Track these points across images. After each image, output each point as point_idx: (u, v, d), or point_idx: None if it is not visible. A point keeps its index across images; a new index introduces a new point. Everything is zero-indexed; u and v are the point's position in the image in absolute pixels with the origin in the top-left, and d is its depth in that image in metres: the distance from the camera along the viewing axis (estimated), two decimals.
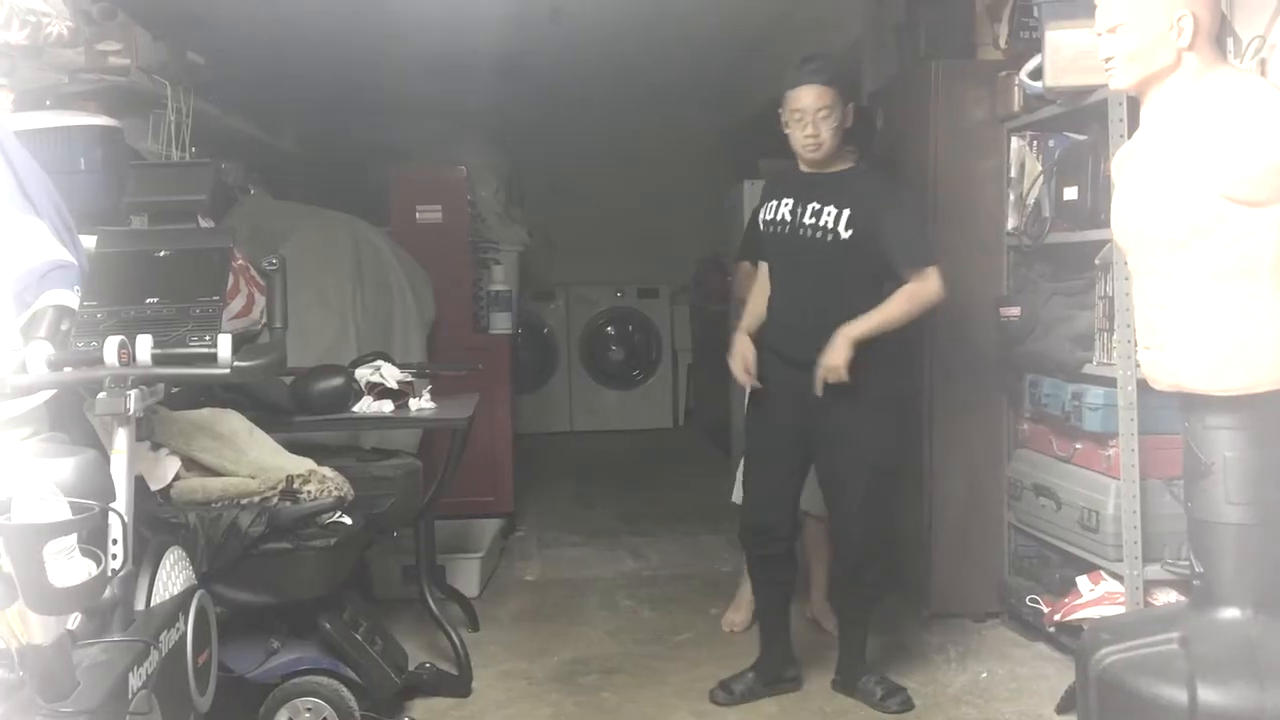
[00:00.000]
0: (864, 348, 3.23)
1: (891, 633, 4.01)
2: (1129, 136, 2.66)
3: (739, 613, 4.14)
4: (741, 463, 3.85)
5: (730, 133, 8.02)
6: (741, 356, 3.44)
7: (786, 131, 3.35)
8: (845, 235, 3.29)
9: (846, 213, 3.29)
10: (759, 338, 3.47)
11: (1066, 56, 3.41)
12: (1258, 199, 2.21)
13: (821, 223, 3.33)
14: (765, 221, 3.46)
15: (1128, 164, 2.50)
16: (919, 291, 3.29)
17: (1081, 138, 3.60)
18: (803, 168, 3.40)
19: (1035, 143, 3.83)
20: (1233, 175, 2.21)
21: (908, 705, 3.41)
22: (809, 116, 3.25)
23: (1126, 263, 2.65)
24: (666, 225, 8.32)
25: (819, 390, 3.23)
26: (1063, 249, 3.71)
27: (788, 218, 3.39)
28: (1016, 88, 3.82)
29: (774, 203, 3.44)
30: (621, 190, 8.26)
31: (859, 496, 3.38)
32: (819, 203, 3.33)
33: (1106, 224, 2.65)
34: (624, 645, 4.06)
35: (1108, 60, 2.41)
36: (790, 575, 3.55)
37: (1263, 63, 2.78)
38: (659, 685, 3.66)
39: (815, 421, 3.35)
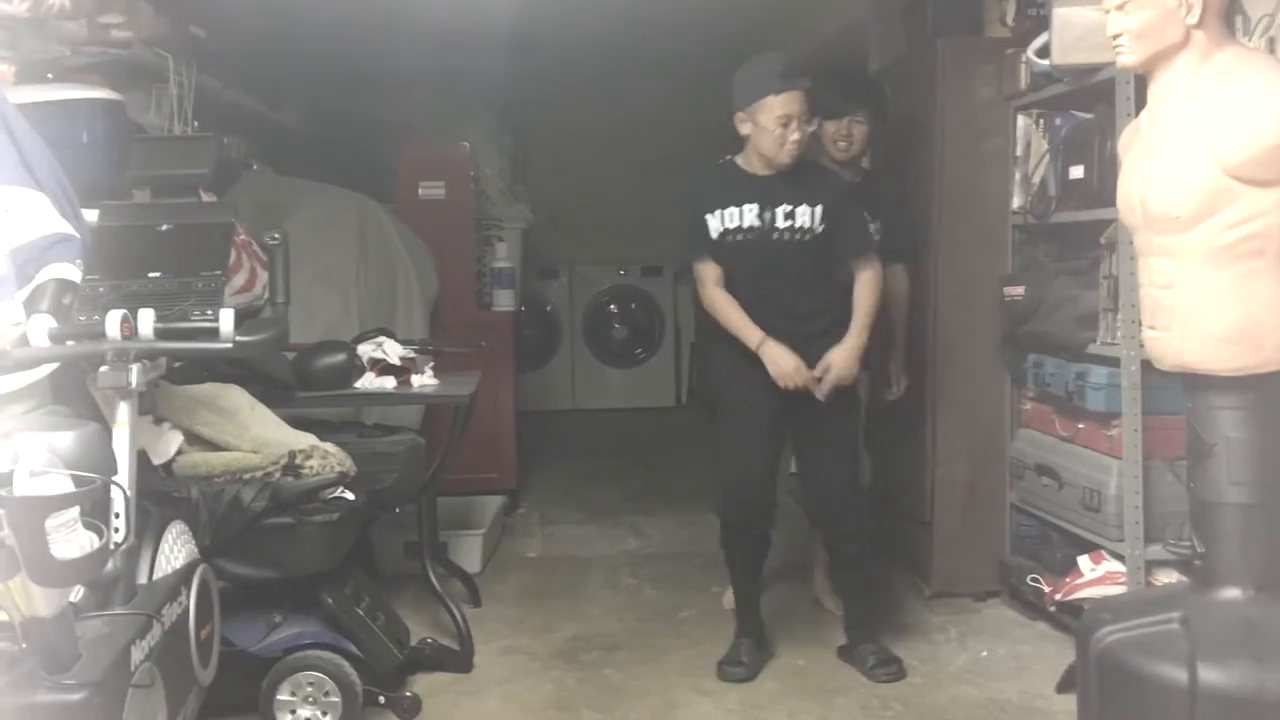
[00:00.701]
0: (837, 322, 3.45)
1: (893, 612, 4.01)
2: (1136, 115, 2.64)
3: None
4: None
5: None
6: (795, 364, 3.34)
7: (749, 134, 3.39)
8: (820, 230, 3.41)
9: (819, 209, 3.40)
10: (721, 339, 3.49)
11: (1074, 34, 3.39)
12: (1264, 178, 2.20)
13: (799, 224, 3.40)
14: (726, 230, 3.42)
15: (1134, 142, 2.48)
16: (876, 279, 3.48)
17: (1088, 116, 3.58)
18: (757, 170, 3.42)
19: (1042, 121, 3.80)
20: (1239, 154, 2.19)
21: (897, 676, 3.45)
22: (796, 121, 3.33)
23: (1132, 242, 2.64)
24: (670, 203, 8.28)
25: (823, 396, 3.38)
26: (1068, 228, 3.70)
27: (756, 223, 3.40)
28: (1023, 65, 3.80)
29: (731, 210, 3.41)
30: (626, 168, 8.22)
31: (842, 465, 3.52)
32: (790, 203, 3.39)
33: (1112, 203, 2.64)
34: (626, 623, 4.07)
35: (1115, 37, 2.39)
36: (767, 549, 3.64)
37: (1271, 41, 2.76)
38: (661, 662, 3.67)
39: (794, 405, 3.42)
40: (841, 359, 3.38)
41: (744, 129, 3.40)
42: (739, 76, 3.42)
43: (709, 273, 3.47)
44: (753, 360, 3.40)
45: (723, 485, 3.61)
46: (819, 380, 3.38)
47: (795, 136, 3.33)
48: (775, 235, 3.40)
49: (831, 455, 3.51)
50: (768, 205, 3.39)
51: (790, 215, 3.39)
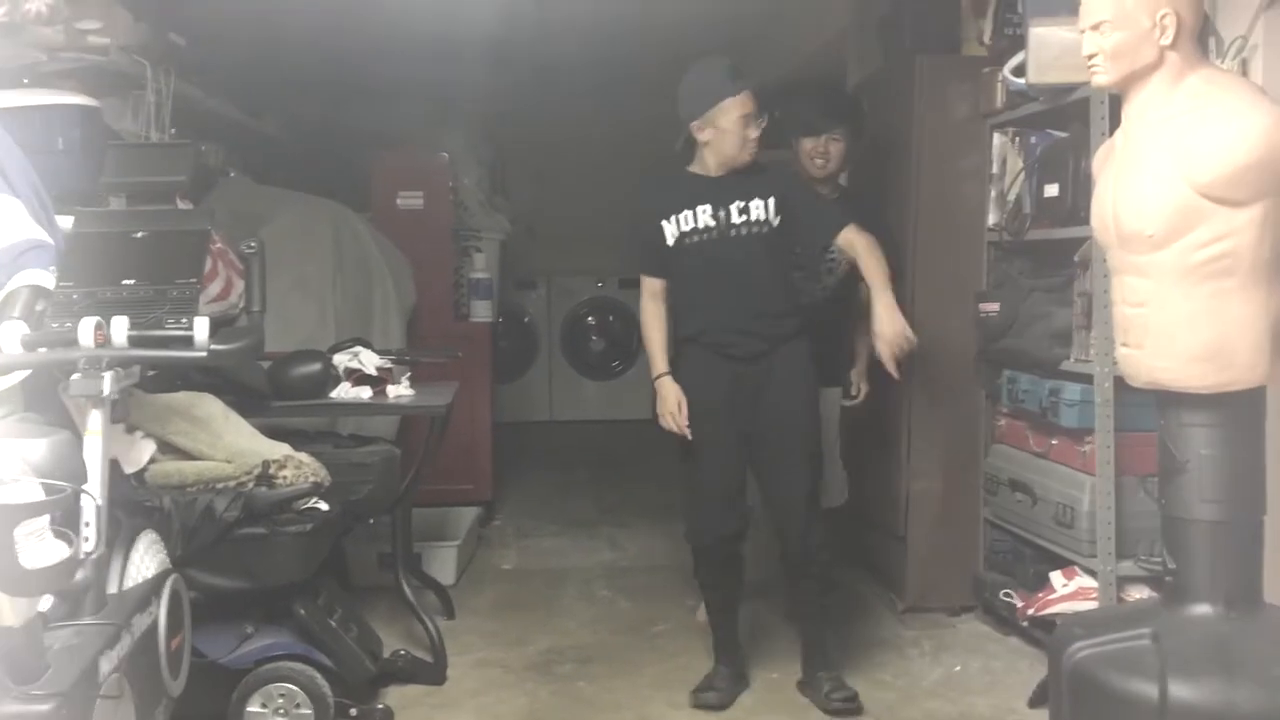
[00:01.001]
0: (805, 337, 3.49)
1: (866, 626, 4.03)
2: (1110, 134, 2.67)
3: None
4: None
5: None
6: (675, 410, 3.42)
7: (709, 139, 3.38)
8: (776, 222, 3.42)
9: (772, 201, 3.41)
10: (689, 341, 3.47)
11: (1050, 53, 3.41)
12: (1236, 198, 2.22)
13: (754, 217, 3.40)
14: (683, 233, 3.41)
15: (1108, 162, 2.51)
16: (868, 237, 3.43)
17: (1063, 135, 3.61)
18: (710, 173, 3.43)
19: (1017, 139, 3.84)
20: (1211, 174, 2.21)
21: (853, 709, 3.36)
22: (754, 120, 3.36)
23: (1105, 260, 2.67)
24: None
25: (896, 372, 3.38)
26: (1043, 245, 3.73)
27: (711, 223, 3.40)
28: (1000, 84, 3.83)
29: (685, 213, 3.40)
30: (604, 180, 8.20)
31: (803, 479, 3.43)
32: (743, 199, 3.40)
33: (1087, 221, 2.66)
34: (600, 635, 4.07)
35: (1091, 57, 2.41)
36: (742, 574, 3.55)
37: (1244, 63, 2.80)
38: (635, 675, 3.67)
39: (756, 414, 3.41)
40: (885, 326, 3.32)
41: (704, 135, 3.39)
42: (687, 86, 3.42)
43: (650, 285, 3.50)
44: (713, 377, 3.40)
45: (693, 505, 3.52)
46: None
47: (755, 134, 3.37)
48: (733, 232, 3.40)
49: (790, 468, 3.43)
50: (720, 203, 3.40)
51: (744, 210, 3.40)
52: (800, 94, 4.29)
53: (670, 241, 3.43)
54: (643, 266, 3.52)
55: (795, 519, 3.42)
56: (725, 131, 3.35)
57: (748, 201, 3.40)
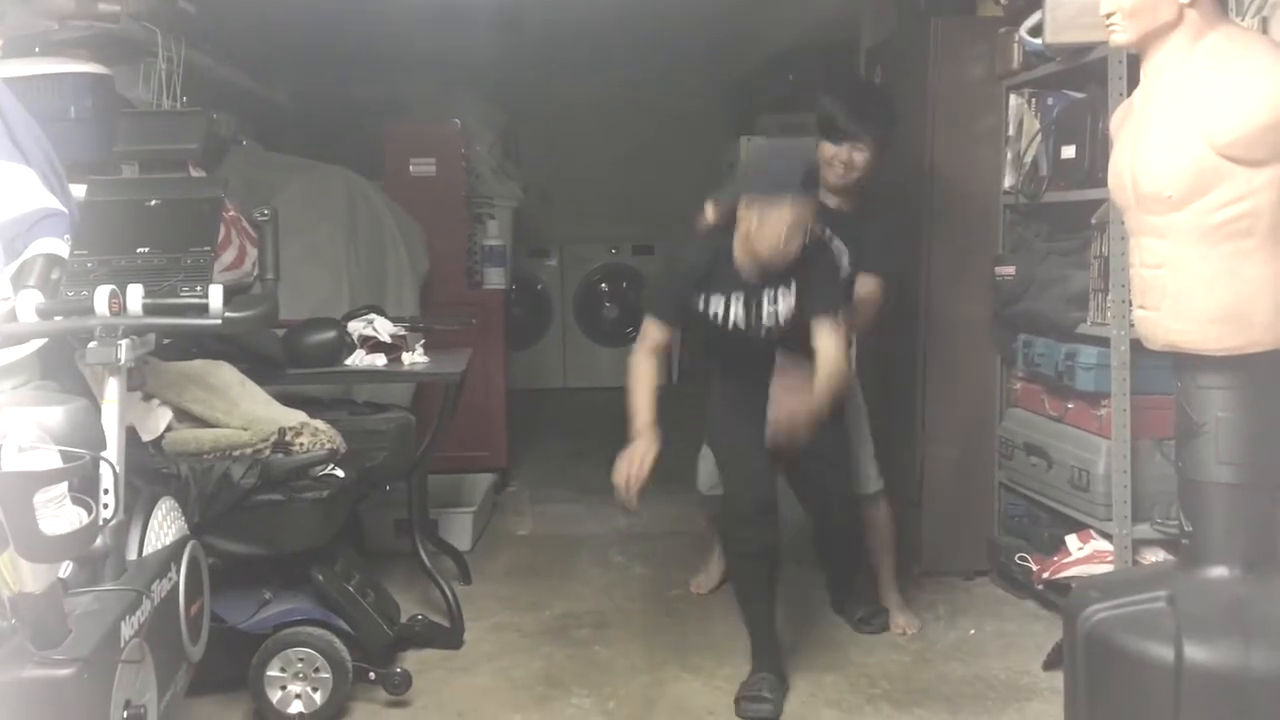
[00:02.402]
0: None
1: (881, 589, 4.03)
2: (1128, 94, 2.64)
3: (709, 574, 4.13)
4: (706, 449, 3.86)
5: (728, 89, 7.95)
6: (638, 464, 3.26)
7: (746, 228, 3.10)
8: (794, 302, 3.30)
9: (794, 283, 3.27)
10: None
11: (1067, 13, 3.38)
12: (1256, 158, 2.20)
13: (781, 307, 3.28)
14: (714, 313, 3.30)
15: (1126, 122, 2.48)
16: (835, 339, 3.21)
17: (1080, 96, 3.58)
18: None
19: (1034, 101, 3.80)
20: (1230, 134, 2.19)
21: (884, 627, 3.68)
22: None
23: (1123, 222, 2.65)
24: (662, 182, 8.26)
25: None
26: (1059, 208, 3.70)
27: (743, 314, 3.31)
28: (1016, 45, 3.80)
29: (719, 298, 3.30)
30: (617, 146, 8.20)
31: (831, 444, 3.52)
32: (773, 286, 3.27)
33: (1104, 183, 2.64)
34: (615, 600, 4.08)
35: (1109, 16, 2.38)
36: (779, 563, 3.37)
37: (1264, 21, 2.76)
38: (650, 640, 3.68)
39: None
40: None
41: (744, 219, 3.11)
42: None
43: (654, 336, 3.35)
44: (743, 377, 3.40)
45: (733, 501, 3.43)
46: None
47: (796, 246, 3.12)
48: (762, 331, 3.30)
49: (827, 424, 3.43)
50: (753, 294, 3.25)
51: (774, 299, 3.25)
52: (832, 90, 3.81)
53: (700, 309, 3.25)
54: (658, 310, 3.27)
55: (842, 467, 3.60)
56: (766, 226, 3.00)
57: (776, 289, 3.18)
